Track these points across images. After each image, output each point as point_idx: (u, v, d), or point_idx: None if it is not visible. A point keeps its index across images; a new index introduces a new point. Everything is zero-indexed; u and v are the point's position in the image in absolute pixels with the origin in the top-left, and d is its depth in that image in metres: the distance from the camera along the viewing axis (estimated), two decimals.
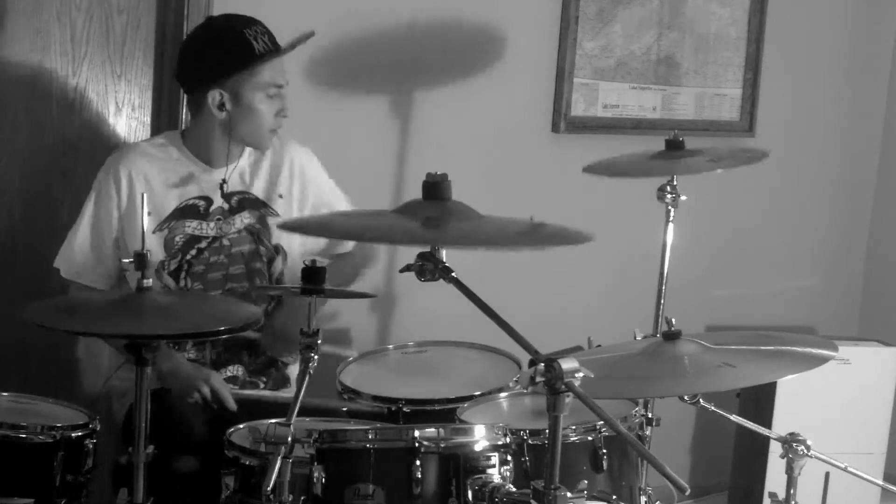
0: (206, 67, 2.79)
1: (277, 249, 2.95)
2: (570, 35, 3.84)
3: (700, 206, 3.48)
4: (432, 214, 2.09)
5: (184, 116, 3.20)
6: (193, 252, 2.86)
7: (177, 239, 2.84)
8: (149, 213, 2.75)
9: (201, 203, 2.87)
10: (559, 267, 3.94)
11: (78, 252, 2.86)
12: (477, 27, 3.68)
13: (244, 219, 2.91)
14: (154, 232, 2.82)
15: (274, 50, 2.81)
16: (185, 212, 2.86)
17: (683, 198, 3.16)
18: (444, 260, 2.06)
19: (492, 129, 3.76)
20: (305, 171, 3.00)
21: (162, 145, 2.89)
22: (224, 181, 2.87)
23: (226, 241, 2.89)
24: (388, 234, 2.17)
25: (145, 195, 2.41)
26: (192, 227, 2.86)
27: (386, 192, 3.55)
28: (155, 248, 2.82)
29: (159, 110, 3.26)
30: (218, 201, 2.89)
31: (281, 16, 3.31)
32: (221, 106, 2.79)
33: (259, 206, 2.93)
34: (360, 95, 3.49)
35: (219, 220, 2.88)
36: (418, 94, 3.61)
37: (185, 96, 2.93)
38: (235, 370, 2.93)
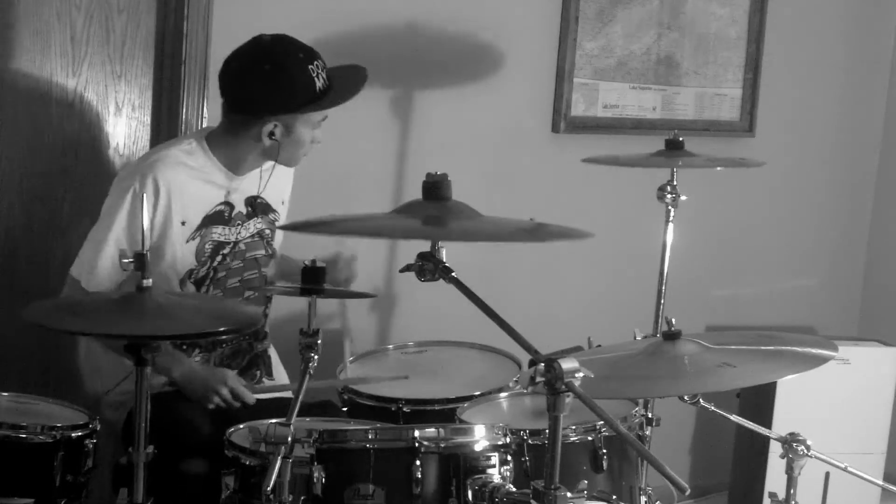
0: (269, 100, 2.72)
1: (274, 254, 2.96)
2: (570, 35, 3.83)
3: (700, 206, 3.48)
4: (433, 214, 2.09)
5: (184, 116, 3.21)
6: (219, 258, 2.85)
7: (206, 247, 2.82)
8: (182, 223, 2.76)
9: (226, 209, 2.85)
10: (559, 267, 3.94)
11: (106, 265, 2.72)
12: (477, 27, 3.68)
13: (256, 224, 2.91)
14: (187, 241, 2.79)
15: (330, 87, 2.76)
16: (213, 218, 2.83)
17: (683, 198, 3.16)
18: (444, 260, 2.07)
19: (492, 130, 3.76)
20: (291, 178, 3.03)
21: (190, 151, 2.81)
22: (258, 197, 2.89)
23: (242, 246, 2.89)
24: (389, 229, 2.17)
25: (146, 197, 2.40)
26: (217, 232, 2.83)
27: (386, 192, 3.56)
28: (187, 258, 2.79)
29: (159, 110, 3.26)
30: (239, 206, 2.87)
31: (281, 15, 3.31)
32: (272, 135, 2.75)
33: (269, 211, 2.94)
34: (361, 95, 3.47)
35: (238, 224, 2.88)
36: (418, 94, 3.61)
37: (224, 106, 2.82)
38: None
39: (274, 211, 2.95)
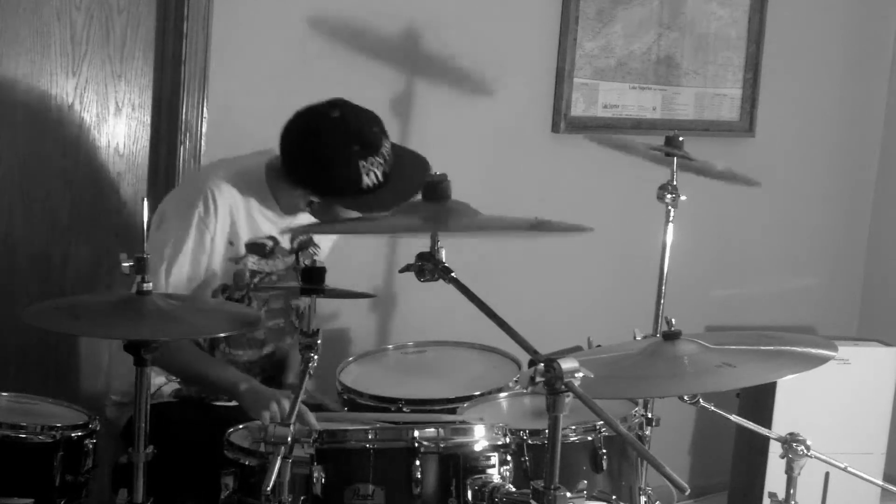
0: (308, 180, 2.67)
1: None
2: (570, 35, 3.83)
3: (700, 206, 3.48)
4: (433, 214, 2.09)
5: (184, 116, 3.20)
6: (252, 287, 2.83)
7: (246, 274, 2.80)
8: (230, 243, 2.75)
9: (269, 243, 2.83)
10: (559, 267, 3.94)
11: (177, 284, 2.69)
12: (477, 27, 3.68)
13: (296, 257, 2.90)
14: (229, 260, 2.78)
15: (382, 184, 2.66)
16: (253, 248, 2.81)
17: (683, 198, 3.16)
18: (444, 260, 2.07)
19: (492, 130, 3.76)
20: None
21: (251, 178, 2.77)
22: (304, 258, 2.87)
23: (274, 277, 2.87)
24: (391, 225, 2.17)
25: (146, 200, 2.37)
26: (252, 261, 2.81)
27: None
28: (224, 275, 2.77)
29: (159, 110, 3.26)
30: (284, 241, 2.85)
31: (281, 16, 3.31)
32: (310, 204, 2.73)
33: (310, 245, 2.92)
34: (360, 95, 3.48)
35: (276, 258, 2.86)
36: (418, 94, 3.61)
37: (283, 159, 2.75)
38: None
39: (315, 245, 2.93)
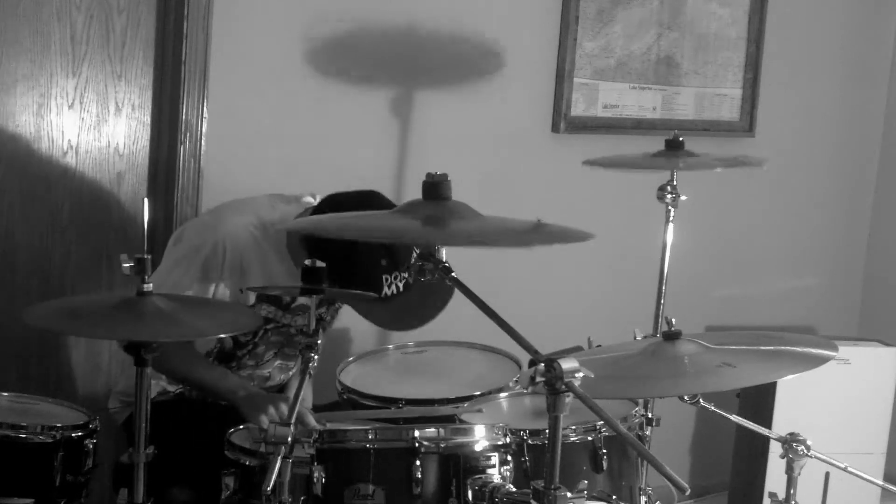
0: (329, 269, 2.51)
1: (324, 328, 2.92)
2: (570, 35, 3.83)
3: (700, 206, 3.48)
4: (433, 214, 2.09)
5: (184, 116, 3.20)
6: (261, 333, 2.84)
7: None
8: (241, 291, 2.73)
9: (286, 298, 2.82)
10: (559, 267, 3.94)
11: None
12: (477, 27, 3.68)
13: (315, 312, 2.87)
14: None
15: (401, 293, 2.65)
16: (269, 298, 2.79)
17: (683, 198, 3.16)
18: (444, 260, 2.06)
19: (492, 130, 3.76)
20: None
21: (266, 233, 2.74)
22: (322, 318, 2.85)
23: (293, 330, 2.87)
24: (390, 232, 2.17)
25: (146, 200, 2.36)
26: (266, 310, 2.80)
27: (386, 192, 3.53)
28: None
29: (159, 110, 3.26)
30: (301, 298, 2.80)
31: (281, 16, 3.31)
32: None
33: (333, 302, 2.91)
34: (361, 95, 3.48)
35: (297, 314, 2.85)
36: (418, 94, 3.61)
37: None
38: None
39: (332, 303, 2.92)
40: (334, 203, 2.71)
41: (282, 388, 2.99)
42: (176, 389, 2.88)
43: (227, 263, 2.71)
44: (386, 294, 2.63)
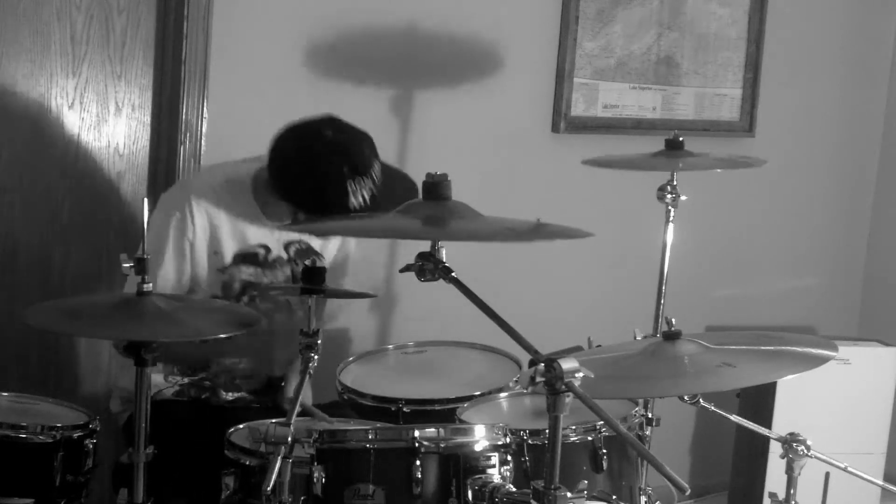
0: (295, 194, 2.65)
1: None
2: (570, 35, 3.83)
3: (700, 206, 3.48)
4: (432, 214, 2.09)
5: (184, 116, 3.20)
6: (246, 299, 2.83)
7: (235, 285, 2.80)
8: (215, 253, 2.76)
9: (261, 251, 2.83)
10: (559, 267, 3.94)
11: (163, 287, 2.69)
12: (477, 27, 3.68)
13: (294, 268, 2.89)
14: (217, 270, 2.78)
15: (369, 205, 2.65)
16: (246, 258, 2.81)
17: (683, 198, 3.16)
18: (444, 260, 2.07)
19: (492, 130, 3.76)
20: None
21: (234, 188, 2.78)
22: (299, 242, 2.87)
23: (278, 294, 2.87)
24: (391, 229, 2.17)
25: (146, 200, 2.37)
26: (248, 273, 2.81)
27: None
28: (214, 287, 2.78)
29: (159, 110, 3.26)
30: (277, 250, 2.84)
31: (281, 16, 3.31)
32: (295, 216, 2.71)
33: (310, 254, 2.91)
34: (360, 95, 3.48)
35: (275, 269, 2.86)
36: (418, 94, 3.61)
37: (269, 172, 2.75)
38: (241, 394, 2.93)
39: (316, 253, 2.92)
40: (295, 130, 2.70)
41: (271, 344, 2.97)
42: (174, 382, 2.86)
43: (196, 221, 2.72)
44: (353, 206, 2.61)
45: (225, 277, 2.79)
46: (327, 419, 2.69)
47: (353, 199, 2.61)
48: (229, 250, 2.79)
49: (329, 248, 2.98)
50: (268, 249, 2.84)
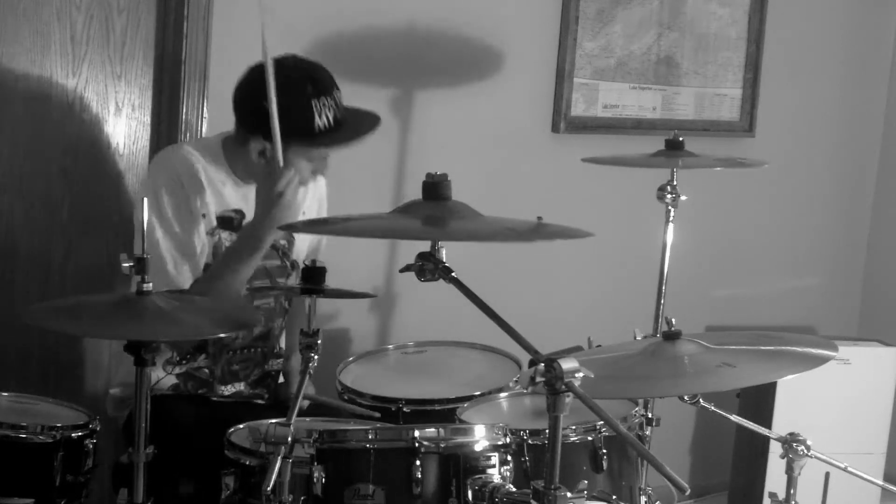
0: (260, 120, 2.63)
1: (294, 265, 2.93)
2: (570, 35, 3.84)
3: (700, 206, 3.48)
4: (432, 214, 2.09)
5: (184, 116, 3.21)
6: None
7: (223, 249, 2.79)
8: (203, 216, 2.76)
9: (236, 217, 2.82)
10: (559, 267, 3.94)
11: (167, 267, 2.71)
12: (477, 27, 3.68)
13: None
14: (208, 234, 2.78)
15: (334, 129, 2.68)
16: (224, 222, 2.80)
17: (683, 198, 3.16)
18: (444, 260, 2.07)
19: (492, 129, 3.76)
20: (322, 190, 3.01)
21: (206, 152, 2.79)
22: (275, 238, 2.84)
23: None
24: (391, 229, 2.17)
25: (146, 200, 2.37)
26: (225, 237, 2.81)
27: (386, 192, 3.56)
28: (206, 251, 2.77)
29: (159, 110, 3.26)
30: (250, 215, 2.81)
31: (281, 16, 3.31)
32: (262, 154, 2.70)
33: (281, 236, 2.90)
34: (360, 95, 3.47)
35: None
36: (418, 94, 3.61)
37: (235, 116, 2.80)
38: (240, 386, 2.92)
39: (290, 236, 2.92)
40: (257, 65, 2.68)
41: (267, 335, 2.96)
42: (172, 370, 2.85)
43: (181, 188, 2.72)
44: (320, 127, 2.66)
45: (215, 239, 2.79)
46: (335, 402, 2.70)
47: (318, 120, 2.66)
48: (213, 213, 2.79)
49: (300, 244, 2.97)
50: (242, 214, 2.83)
